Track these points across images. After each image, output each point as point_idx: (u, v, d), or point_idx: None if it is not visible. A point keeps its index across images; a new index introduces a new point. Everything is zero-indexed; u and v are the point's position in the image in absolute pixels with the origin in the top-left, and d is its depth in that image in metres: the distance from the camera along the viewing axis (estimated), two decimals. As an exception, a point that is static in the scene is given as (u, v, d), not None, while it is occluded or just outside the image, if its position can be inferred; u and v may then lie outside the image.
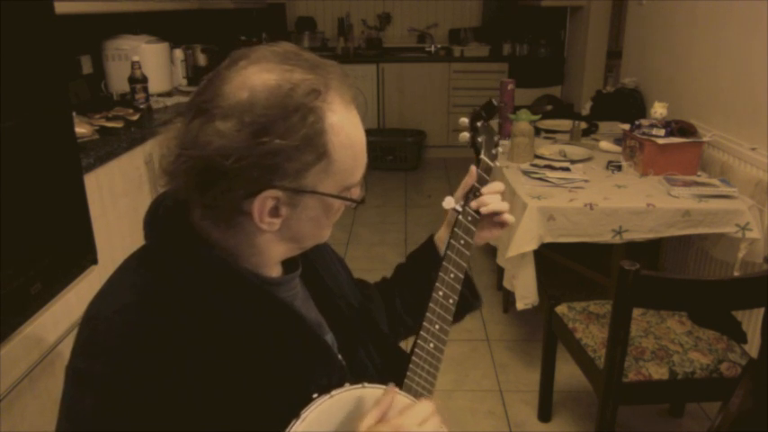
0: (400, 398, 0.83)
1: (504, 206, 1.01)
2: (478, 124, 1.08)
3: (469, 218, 0.99)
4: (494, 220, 1.03)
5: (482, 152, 1.05)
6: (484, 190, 1.01)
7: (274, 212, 0.74)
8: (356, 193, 0.80)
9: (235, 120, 0.68)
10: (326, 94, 0.72)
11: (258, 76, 0.71)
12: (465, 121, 1.09)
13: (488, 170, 1.04)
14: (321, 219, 0.79)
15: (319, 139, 0.71)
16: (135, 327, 0.71)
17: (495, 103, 1.07)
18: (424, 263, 1.09)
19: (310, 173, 0.73)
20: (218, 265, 0.76)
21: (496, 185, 1.02)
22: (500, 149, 1.09)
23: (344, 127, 0.74)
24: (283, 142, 0.69)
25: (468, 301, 1.11)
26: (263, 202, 0.72)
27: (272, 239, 0.78)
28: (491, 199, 1.00)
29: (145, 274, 0.76)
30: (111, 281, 0.78)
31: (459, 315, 1.09)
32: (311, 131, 0.70)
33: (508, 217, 1.02)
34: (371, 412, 0.76)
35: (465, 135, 1.09)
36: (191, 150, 0.70)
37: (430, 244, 1.11)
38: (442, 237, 1.10)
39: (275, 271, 0.85)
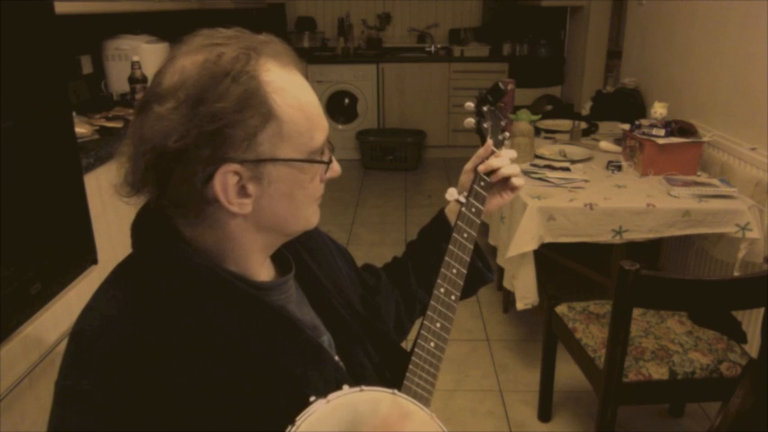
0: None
1: (514, 169, 1.00)
2: (485, 109, 1.05)
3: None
4: (505, 183, 1.02)
5: (487, 139, 1.02)
6: (492, 157, 0.99)
7: (242, 192, 0.73)
8: (325, 158, 0.78)
9: (171, 100, 0.69)
10: (258, 58, 0.72)
11: (187, 58, 0.71)
12: (470, 105, 1.05)
13: None
14: (295, 193, 0.76)
15: (258, 98, 0.70)
16: (119, 342, 0.70)
17: (501, 86, 1.03)
18: (436, 235, 1.07)
19: (263, 138, 0.71)
20: (200, 271, 0.74)
21: (508, 152, 1.01)
22: (507, 135, 1.06)
23: (286, 86, 0.72)
24: (220, 105, 0.68)
25: (481, 274, 1.10)
26: (224, 180, 0.70)
27: (248, 228, 0.76)
28: (500, 162, 0.99)
29: (127, 286, 0.75)
30: (96, 293, 0.77)
31: (472, 289, 1.08)
32: (246, 90, 0.69)
33: (518, 180, 1.01)
34: None
35: (470, 121, 1.05)
36: (140, 148, 0.70)
37: (441, 216, 1.10)
38: (453, 209, 1.08)
39: (265, 273, 0.83)
